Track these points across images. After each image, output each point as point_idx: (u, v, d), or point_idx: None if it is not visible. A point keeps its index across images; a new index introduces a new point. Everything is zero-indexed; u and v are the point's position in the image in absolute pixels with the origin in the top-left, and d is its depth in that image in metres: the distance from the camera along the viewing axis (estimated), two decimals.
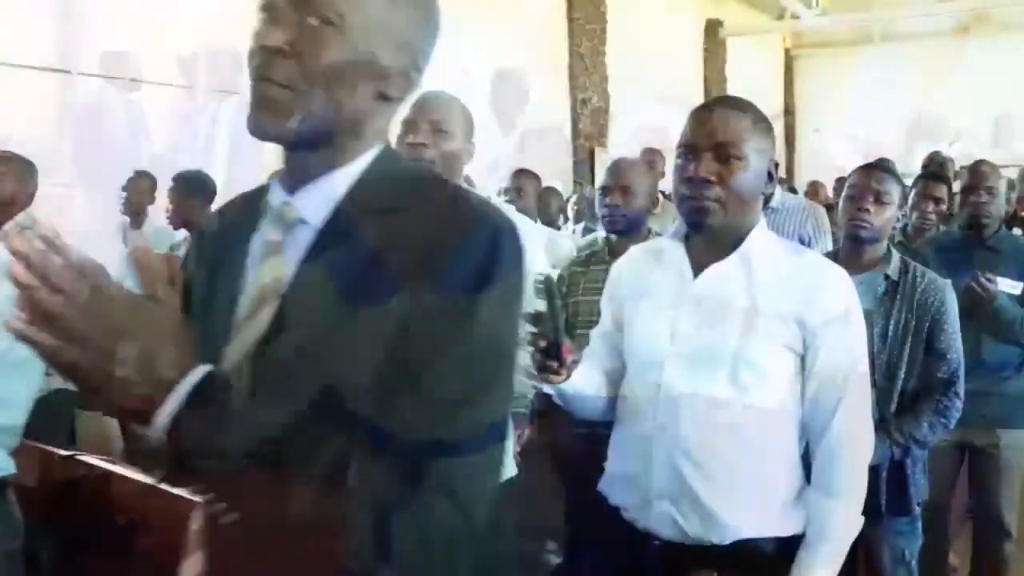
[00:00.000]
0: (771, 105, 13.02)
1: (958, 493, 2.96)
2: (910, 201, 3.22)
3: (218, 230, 1.03)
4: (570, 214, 4.92)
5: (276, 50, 0.85)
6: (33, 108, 4.68)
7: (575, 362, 1.50)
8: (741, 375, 1.45)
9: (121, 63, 4.89)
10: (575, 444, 2.31)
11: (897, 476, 2.08)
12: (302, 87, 0.86)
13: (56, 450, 1.98)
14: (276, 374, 0.84)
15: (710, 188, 1.45)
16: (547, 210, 4.56)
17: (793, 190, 8.93)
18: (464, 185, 2.96)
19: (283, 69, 0.86)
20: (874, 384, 2.04)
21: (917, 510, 2.11)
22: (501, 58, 7.70)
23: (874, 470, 1.97)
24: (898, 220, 2.26)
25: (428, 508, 0.79)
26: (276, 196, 0.94)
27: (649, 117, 7.82)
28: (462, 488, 0.81)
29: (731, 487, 1.46)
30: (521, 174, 3.58)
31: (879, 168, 2.20)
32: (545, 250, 3.32)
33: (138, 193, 4.26)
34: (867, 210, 2.10)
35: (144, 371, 0.71)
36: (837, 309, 1.48)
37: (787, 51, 13.40)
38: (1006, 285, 2.67)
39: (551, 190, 4.66)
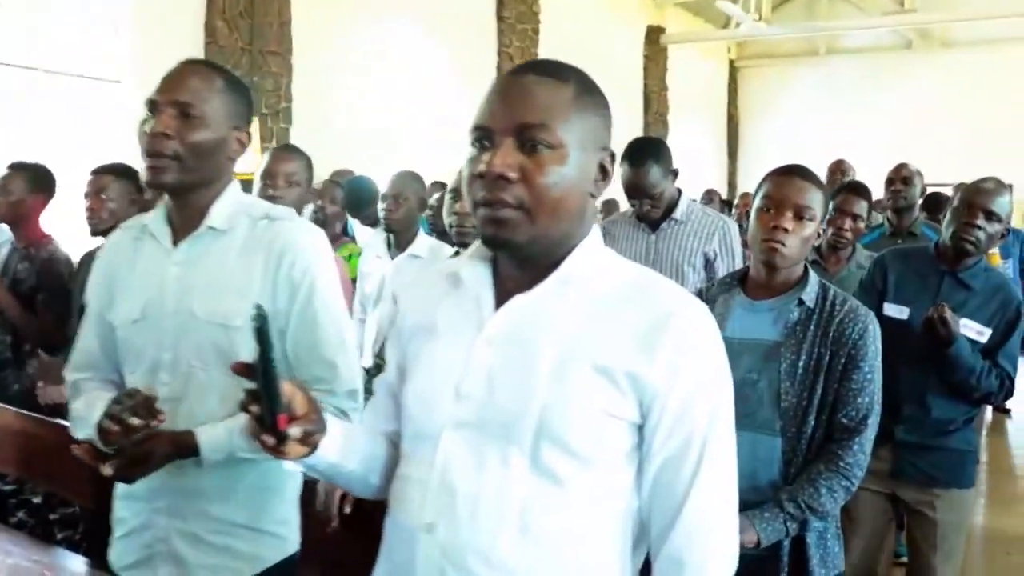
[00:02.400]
0: (715, 114, 12.88)
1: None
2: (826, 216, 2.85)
3: None
4: None
5: None
6: None
7: (311, 433, 1.04)
8: (545, 455, 1.01)
9: None
10: None
11: (799, 547, 1.69)
12: None
13: None
14: None
15: (509, 189, 1.00)
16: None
17: (728, 203, 8.65)
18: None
19: None
20: (779, 431, 1.70)
21: None
22: (427, 55, 7.29)
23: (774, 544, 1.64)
24: (818, 237, 1.86)
25: None
26: None
27: None
28: None
29: None
30: (403, 177, 3.13)
31: (800, 174, 1.76)
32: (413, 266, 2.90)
33: None
34: (784, 228, 1.70)
35: None
36: (688, 359, 1.02)
37: (732, 62, 13.25)
38: (972, 331, 2.25)
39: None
